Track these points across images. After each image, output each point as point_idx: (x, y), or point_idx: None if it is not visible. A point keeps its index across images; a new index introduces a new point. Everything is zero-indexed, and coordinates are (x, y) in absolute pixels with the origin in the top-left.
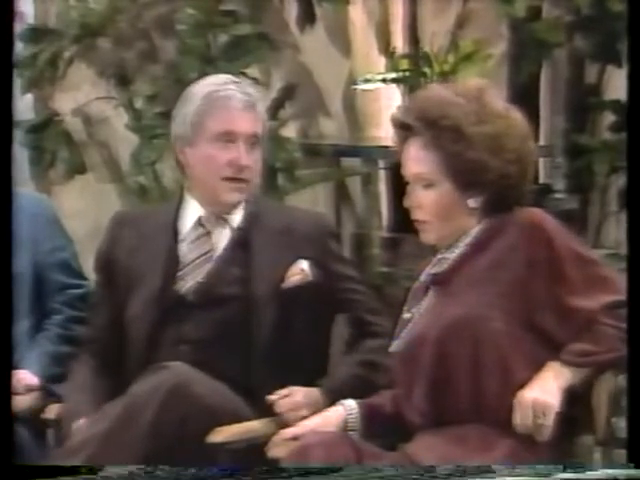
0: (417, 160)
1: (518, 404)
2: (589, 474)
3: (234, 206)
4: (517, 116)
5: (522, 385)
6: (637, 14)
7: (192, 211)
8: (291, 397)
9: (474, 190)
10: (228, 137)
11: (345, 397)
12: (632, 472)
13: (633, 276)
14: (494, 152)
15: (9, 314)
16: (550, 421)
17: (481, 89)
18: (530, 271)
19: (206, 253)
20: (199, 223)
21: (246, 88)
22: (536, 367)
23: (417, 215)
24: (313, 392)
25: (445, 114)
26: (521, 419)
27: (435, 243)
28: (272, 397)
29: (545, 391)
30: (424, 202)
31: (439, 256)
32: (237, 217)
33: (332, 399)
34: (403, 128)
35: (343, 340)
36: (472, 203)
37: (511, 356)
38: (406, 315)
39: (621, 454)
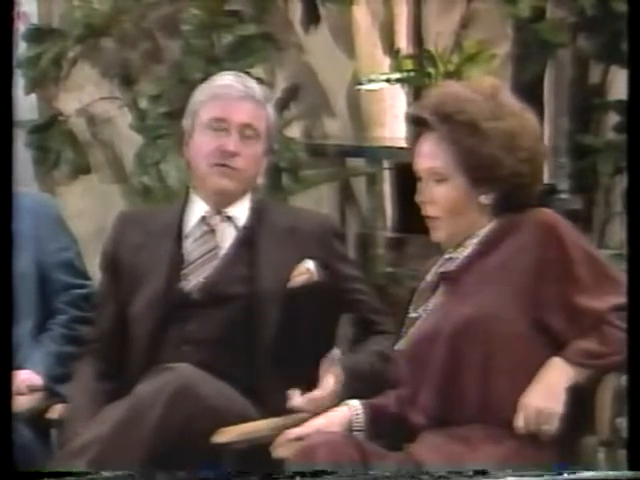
0: (431, 155)
1: (522, 410)
2: (593, 474)
3: (226, 195)
4: (530, 116)
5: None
6: (637, 14)
7: (197, 210)
8: (311, 395)
9: (487, 186)
10: (220, 124)
11: (361, 377)
12: (636, 472)
13: (633, 276)
14: (508, 149)
15: (10, 314)
16: (554, 426)
17: (496, 87)
18: (541, 271)
19: (210, 251)
20: (203, 221)
21: (246, 81)
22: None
23: (428, 211)
24: (328, 381)
25: (461, 109)
26: (524, 425)
27: (445, 241)
28: (295, 400)
29: (549, 396)
30: (436, 197)
31: (447, 256)
32: (242, 216)
33: (349, 376)
34: (417, 123)
35: (348, 340)
36: (484, 200)
37: (520, 356)
38: (413, 314)
39: (625, 455)
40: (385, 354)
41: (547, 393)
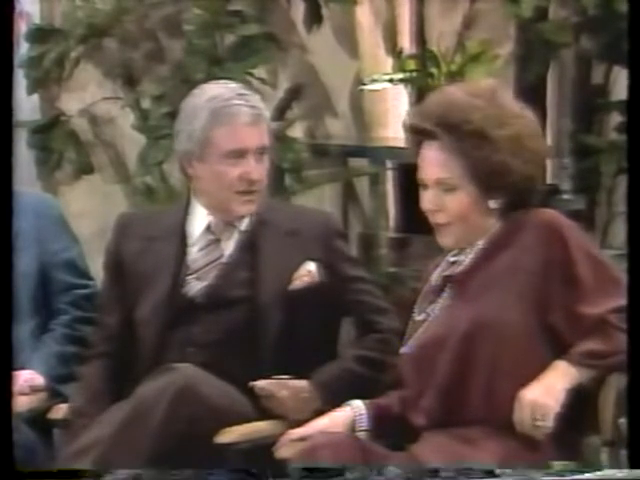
0: (438, 165)
1: (518, 403)
2: (595, 475)
3: (245, 217)
4: (530, 115)
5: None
6: (637, 14)
7: (200, 215)
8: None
9: (497, 192)
10: (238, 153)
11: (334, 391)
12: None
13: (633, 276)
14: (516, 153)
15: (11, 314)
16: (549, 422)
17: (494, 90)
18: (544, 272)
19: (216, 260)
20: (208, 230)
21: (251, 100)
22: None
23: (437, 219)
24: (301, 384)
25: (466, 118)
26: (519, 419)
27: (452, 246)
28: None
29: (547, 392)
30: (446, 206)
31: (452, 259)
32: (245, 221)
33: (322, 393)
34: (419, 133)
35: (351, 340)
36: (493, 204)
37: (526, 358)
38: (418, 317)
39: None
40: (369, 358)
41: (545, 389)
